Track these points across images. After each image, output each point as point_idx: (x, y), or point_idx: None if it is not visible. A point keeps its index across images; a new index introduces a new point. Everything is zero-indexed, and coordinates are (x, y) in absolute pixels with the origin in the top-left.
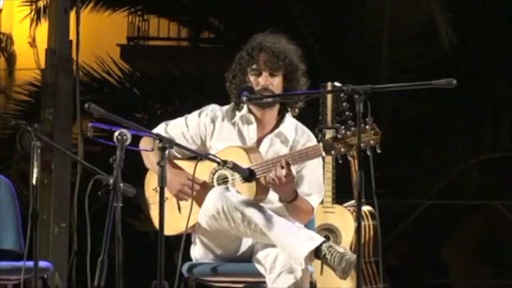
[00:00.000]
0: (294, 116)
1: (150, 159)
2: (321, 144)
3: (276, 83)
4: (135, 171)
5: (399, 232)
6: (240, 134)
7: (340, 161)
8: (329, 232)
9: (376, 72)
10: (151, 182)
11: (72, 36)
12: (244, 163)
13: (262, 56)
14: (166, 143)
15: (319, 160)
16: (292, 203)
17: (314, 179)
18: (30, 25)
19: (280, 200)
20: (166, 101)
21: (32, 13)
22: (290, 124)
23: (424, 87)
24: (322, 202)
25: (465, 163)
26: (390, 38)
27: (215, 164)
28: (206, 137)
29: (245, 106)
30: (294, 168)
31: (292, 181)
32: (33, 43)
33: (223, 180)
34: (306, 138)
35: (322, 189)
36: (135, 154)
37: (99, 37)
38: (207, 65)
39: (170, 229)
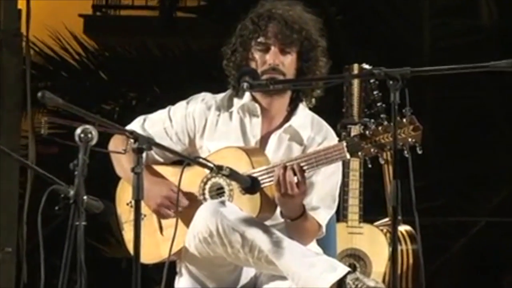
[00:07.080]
0: (310, 108)
1: (123, 164)
2: (344, 143)
3: (288, 63)
4: (103, 179)
5: (447, 258)
6: (240, 129)
7: (370, 166)
8: (355, 259)
9: (416, 51)
10: (124, 194)
11: (20, 5)
12: (245, 169)
13: (271, 27)
14: (143, 143)
15: (338, 164)
16: (297, 220)
17: (327, 189)
18: None
19: (282, 215)
20: (142, 88)
21: None
22: (304, 116)
23: (478, 70)
24: (346, 221)
25: None
26: (432, 7)
27: (207, 171)
28: (196, 134)
29: (247, 93)
30: (306, 175)
31: (304, 193)
32: None
33: (218, 192)
34: (324, 135)
35: (335, 202)
36: (104, 157)
37: (56, 5)
38: (196, 42)
39: (149, 256)
